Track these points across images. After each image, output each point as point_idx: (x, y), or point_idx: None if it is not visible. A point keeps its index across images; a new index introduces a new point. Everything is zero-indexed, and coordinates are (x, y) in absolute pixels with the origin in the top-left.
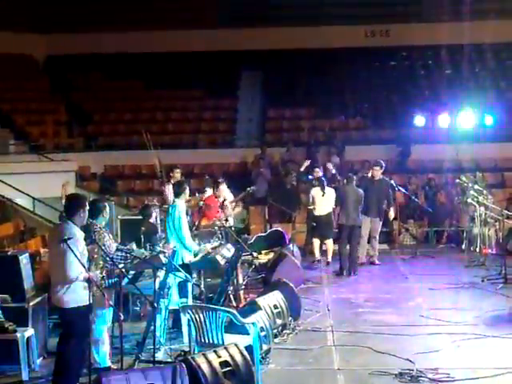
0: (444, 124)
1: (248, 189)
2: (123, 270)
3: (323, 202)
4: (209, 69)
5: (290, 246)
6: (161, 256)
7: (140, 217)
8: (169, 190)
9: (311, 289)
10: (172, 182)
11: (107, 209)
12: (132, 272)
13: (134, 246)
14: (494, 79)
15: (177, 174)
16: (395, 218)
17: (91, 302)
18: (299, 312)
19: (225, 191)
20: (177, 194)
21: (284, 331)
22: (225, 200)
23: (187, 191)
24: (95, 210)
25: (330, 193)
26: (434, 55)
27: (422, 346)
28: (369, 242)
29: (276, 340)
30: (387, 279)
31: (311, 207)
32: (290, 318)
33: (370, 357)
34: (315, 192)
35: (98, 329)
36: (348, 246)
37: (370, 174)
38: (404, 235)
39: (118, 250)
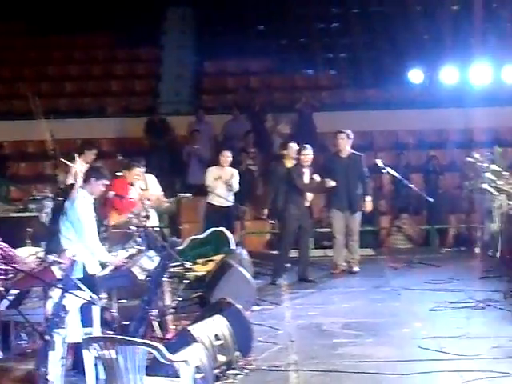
0: (449, 82)
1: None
2: (1, 288)
3: None
4: (121, 6)
5: (238, 251)
6: (55, 268)
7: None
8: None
9: (267, 311)
10: (79, 164)
11: None
12: (14, 292)
13: (24, 253)
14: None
15: (91, 156)
16: (383, 213)
17: None
18: (250, 345)
19: (148, 179)
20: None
21: (229, 371)
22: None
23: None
24: None
25: None
26: None
27: None
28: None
29: None
30: (373, 297)
31: None
32: (238, 353)
33: None
34: None
35: None
36: None
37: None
38: (395, 236)
39: None
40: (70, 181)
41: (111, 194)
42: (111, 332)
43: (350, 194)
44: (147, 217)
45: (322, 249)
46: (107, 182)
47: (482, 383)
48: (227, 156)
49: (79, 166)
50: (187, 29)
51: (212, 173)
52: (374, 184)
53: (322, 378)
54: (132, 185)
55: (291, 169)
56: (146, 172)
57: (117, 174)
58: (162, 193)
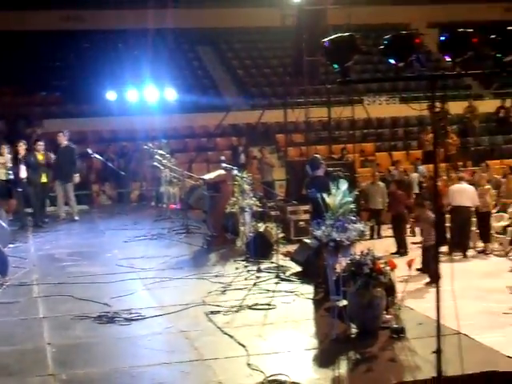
0: (133, 98)
1: None
2: None
3: None
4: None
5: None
6: None
7: None
8: None
9: (18, 247)
10: None
11: None
12: None
13: None
14: (171, 60)
15: None
16: (94, 182)
17: None
18: (7, 269)
19: None
20: None
21: None
22: None
23: None
24: None
25: None
26: (123, 39)
27: (118, 291)
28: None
29: None
30: (88, 235)
31: None
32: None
33: (72, 304)
34: None
35: None
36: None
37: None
38: (101, 196)
39: None
40: None
41: None
42: None
43: (65, 171)
44: None
45: (52, 206)
46: None
47: (156, 285)
48: (4, 148)
49: None
50: None
51: None
52: (87, 164)
53: (55, 288)
54: None
55: None
56: None
57: None
58: None
